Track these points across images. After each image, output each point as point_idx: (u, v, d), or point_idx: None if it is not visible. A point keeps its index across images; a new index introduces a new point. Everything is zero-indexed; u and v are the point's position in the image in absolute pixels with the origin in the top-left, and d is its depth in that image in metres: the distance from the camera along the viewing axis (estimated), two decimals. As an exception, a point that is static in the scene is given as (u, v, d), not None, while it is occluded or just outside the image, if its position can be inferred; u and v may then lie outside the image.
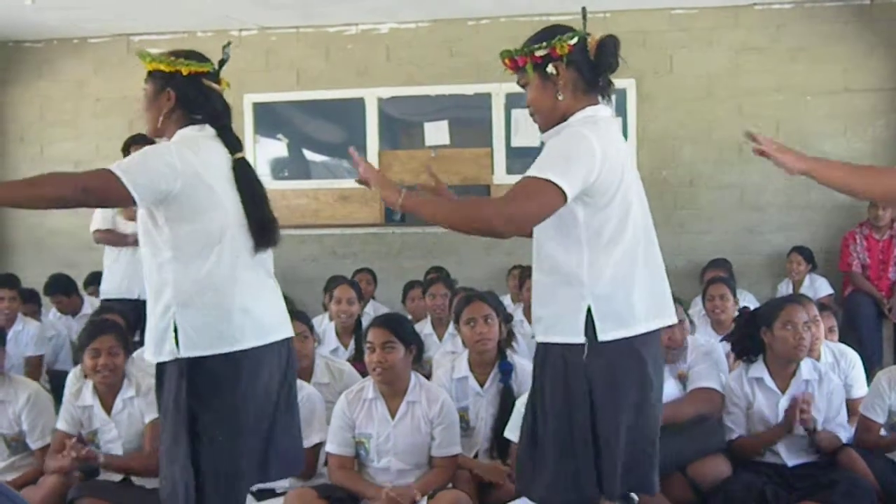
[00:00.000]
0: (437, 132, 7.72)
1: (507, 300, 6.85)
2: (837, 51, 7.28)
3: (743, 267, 7.20)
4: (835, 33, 7.28)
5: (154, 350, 2.69)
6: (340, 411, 3.81)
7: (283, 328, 2.81)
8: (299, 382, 3.94)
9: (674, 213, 7.40)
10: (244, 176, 2.76)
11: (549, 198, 2.43)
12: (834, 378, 4.08)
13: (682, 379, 4.15)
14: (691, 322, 4.49)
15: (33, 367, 5.94)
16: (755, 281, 7.13)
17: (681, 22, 7.46)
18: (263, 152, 8.17)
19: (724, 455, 3.91)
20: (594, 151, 2.46)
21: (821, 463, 3.90)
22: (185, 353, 2.60)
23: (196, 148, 2.68)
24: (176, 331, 2.62)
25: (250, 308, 2.69)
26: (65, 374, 5.01)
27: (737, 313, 4.30)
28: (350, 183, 7.84)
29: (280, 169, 8.17)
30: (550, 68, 2.56)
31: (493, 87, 7.55)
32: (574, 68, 2.56)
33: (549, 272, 2.60)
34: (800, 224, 7.35)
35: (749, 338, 4.03)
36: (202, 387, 2.60)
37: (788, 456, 3.91)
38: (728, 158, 7.42)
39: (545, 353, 2.63)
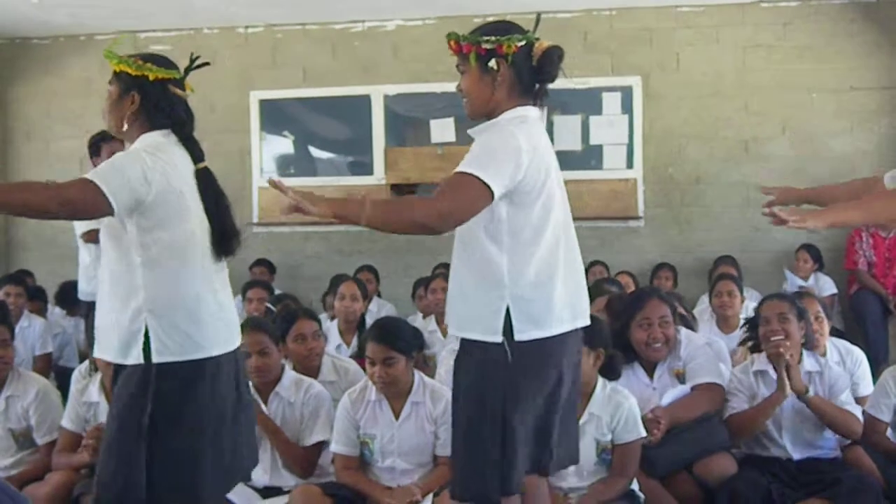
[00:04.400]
0: (443, 129, 7.72)
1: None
2: (844, 48, 7.27)
3: (749, 265, 7.18)
4: (841, 31, 7.27)
5: (119, 351, 2.65)
6: (344, 411, 3.80)
7: (238, 336, 2.83)
8: (309, 380, 4.01)
9: (680, 211, 7.35)
10: (208, 186, 2.75)
11: (476, 194, 2.47)
12: (836, 368, 4.08)
13: (679, 377, 4.12)
14: (681, 315, 4.44)
15: (42, 366, 5.93)
16: (761, 279, 7.10)
17: (687, 19, 7.45)
18: (269, 149, 8.18)
19: (730, 453, 3.90)
20: (521, 150, 2.52)
21: (826, 460, 3.90)
22: (157, 358, 2.60)
23: (165, 154, 2.67)
24: (147, 336, 2.60)
25: (218, 316, 2.71)
26: (70, 370, 5.02)
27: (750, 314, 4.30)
28: (357, 180, 7.92)
29: (286, 166, 8.17)
30: (492, 63, 2.62)
31: (498, 84, 7.53)
32: (515, 69, 2.63)
33: (469, 268, 2.65)
34: (806, 222, 7.33)
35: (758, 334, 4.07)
36: (167, 391, 2.60)
37: (794, 449, 3.91)
38: (735, 156, 7.42)
39: (462, 348, 2.69)
